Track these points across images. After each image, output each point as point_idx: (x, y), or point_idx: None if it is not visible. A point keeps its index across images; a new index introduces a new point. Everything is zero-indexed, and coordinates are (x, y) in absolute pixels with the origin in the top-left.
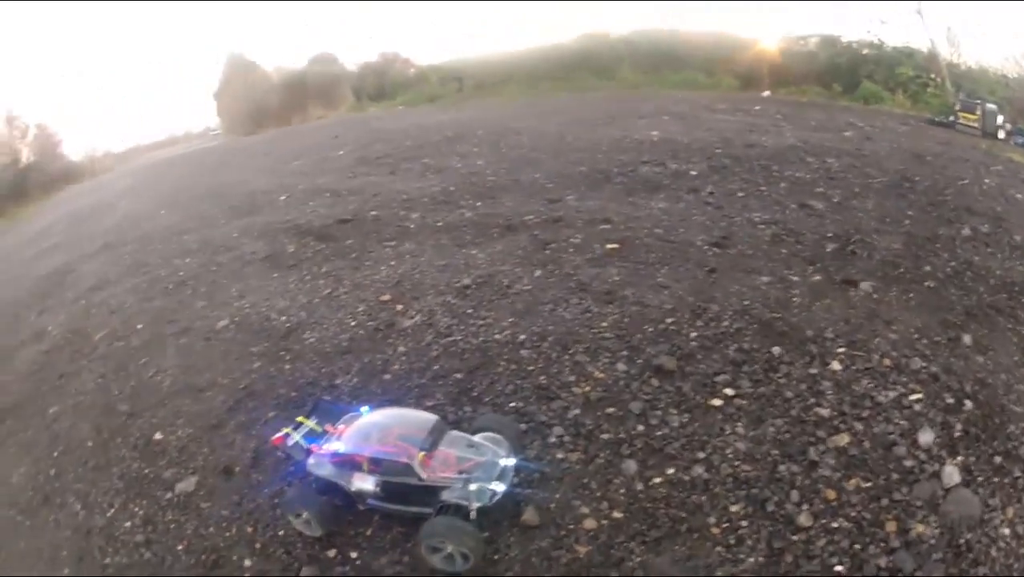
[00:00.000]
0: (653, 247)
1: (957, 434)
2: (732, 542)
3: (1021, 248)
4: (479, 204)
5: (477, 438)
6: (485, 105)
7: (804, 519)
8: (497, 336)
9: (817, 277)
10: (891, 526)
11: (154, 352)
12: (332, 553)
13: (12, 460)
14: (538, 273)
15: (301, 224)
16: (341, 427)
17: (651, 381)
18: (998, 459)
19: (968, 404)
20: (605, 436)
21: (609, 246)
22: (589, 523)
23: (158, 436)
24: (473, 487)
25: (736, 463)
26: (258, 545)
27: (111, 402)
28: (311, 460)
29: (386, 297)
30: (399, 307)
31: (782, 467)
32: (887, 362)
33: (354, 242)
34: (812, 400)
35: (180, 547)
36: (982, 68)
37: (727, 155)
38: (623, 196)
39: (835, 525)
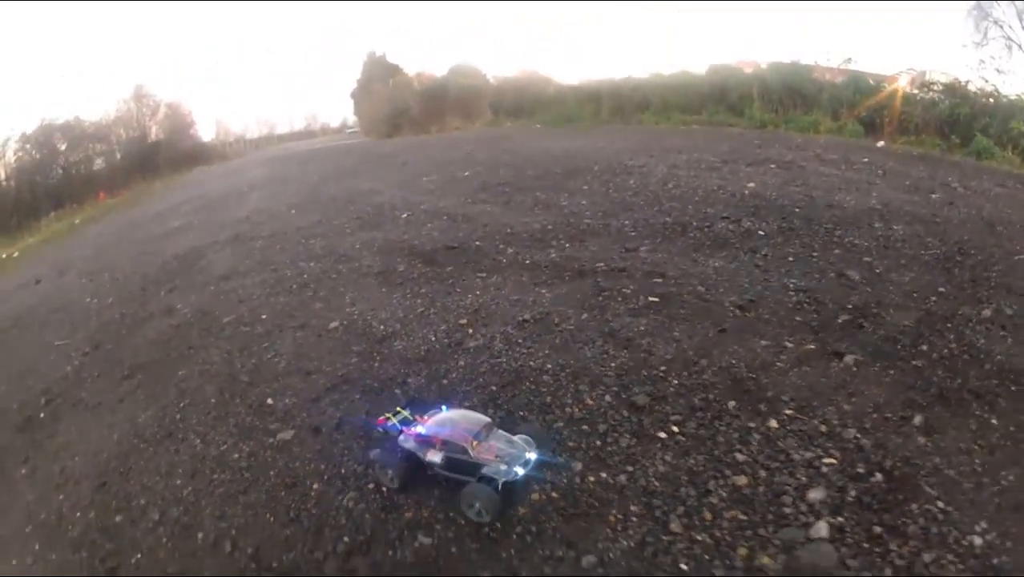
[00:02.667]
0: (688, 303)
1: (849, 499)
2: (619, 529)
3: None
4: (567, 246)
5: (516, 438)
6: (614, 134)
7: (676, 526)
8: (531, 363)
9: (811, 346)
10: (742, 552)
11: (274, 340)
12: (371, 486)
13: (141, 405)
14: (584, 316)
15: (415, 245)
16: (426, 418)
17: (623, 412)
18: (878, 529)
19: (878, 476)
20: (570, 444)
21: (651, 299)
22: (535, 496)
23: (269, 401)
24: (502, 467)
25: (651, 479)
26: (325, 477)
27: (234, 373)
28: (401, 437)
29: (463, 321)
30: (470, 331)
31: (683, 489)
32: (823, 428)
33: (453, 269)
34: (737, 447)
35: (272, 472)
36: None
37: (803, 215)
38: (689, 251)
39: (699, 538)
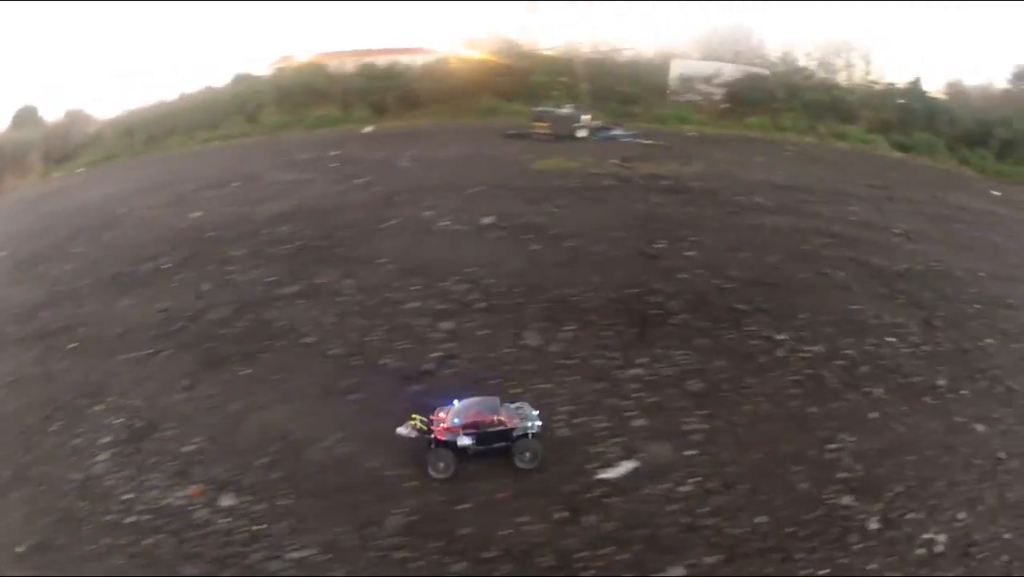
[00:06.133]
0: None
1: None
2: None
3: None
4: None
5: (514, 406)
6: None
7: None
8: None
9: None
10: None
11: None
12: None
13: None
14: None
15: None
16: (441, 414)
17: None
18: None
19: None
20: None
21: None
22: None
23: None
24: (528, 423)
25: None
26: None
27: None
28: (434, 434)
29: None
30: None
31: None
32: None
33: None
34: None
35: None
36: None
37: (213, 239)
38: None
39: None
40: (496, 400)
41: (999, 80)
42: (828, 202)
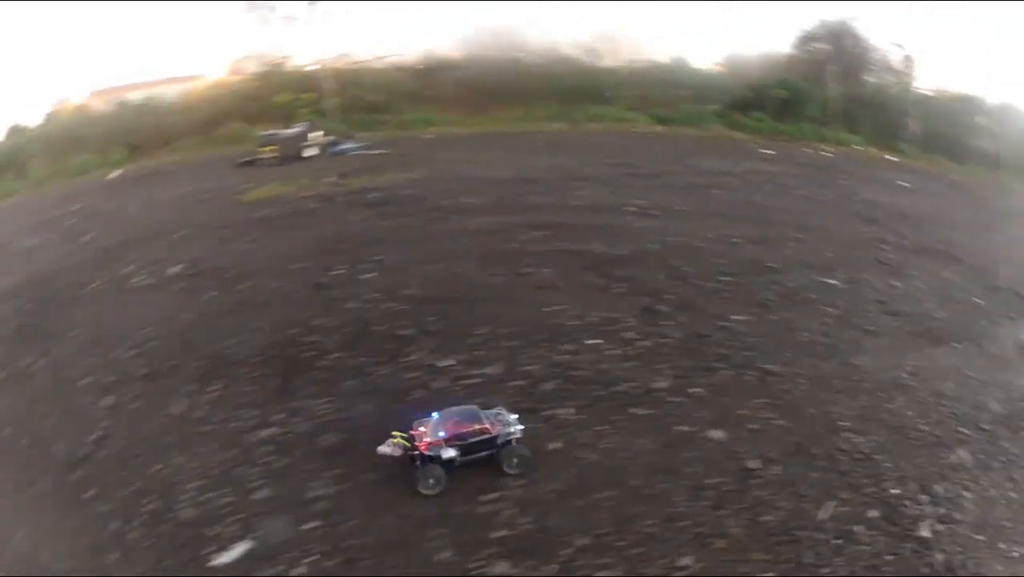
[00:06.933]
0: None
1: None
2: None
3: None
4: None
5: (493, 412)
6: None
7: None
8: None
9: None
10: None
11: None
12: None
13: None
14: None
15: None
16: (421, 429)
17: None
18: None
19: None
20: None
21: None
22: None
23: None
24: (511, 429)
25: None
26: None
27: None
28: (418, 450)
29: None
30: None
31: None
32: None
33: None
34: None
35: None
36: None
37: None
38: None
39: None
40: (475, 408)
41: (784, 46)
42: (554, 191)
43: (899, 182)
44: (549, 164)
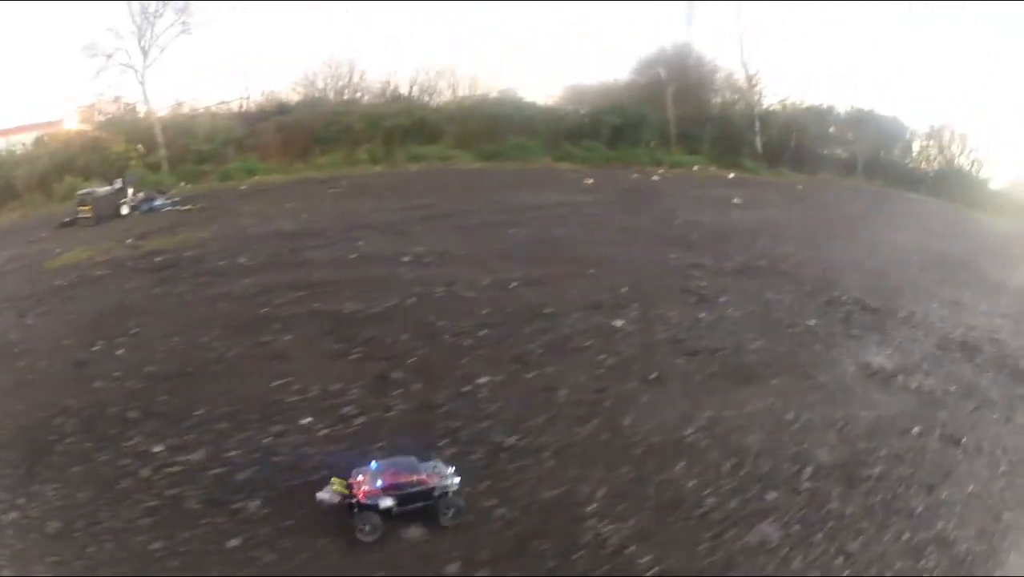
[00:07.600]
0: None
1: None
2: None
3: None
4: None
5: (430, 464)
6: None
7: None
8: None
9: None
10: None
11: None
12: None
13: None
14: None
15: None
16: (360, 477)
17: None
18: None
19: None
20: None
21: None
22: None
23: None
24: (447, 481)
25: None
26: None
27: None
28: (356, 498)
29: None
30: None
31: None
32: None
33: None
34: None
35: None
36: None
37: None
38: None
39: None
40: (413, 460)
41: (623, 74)
42: (333, 243)
43: (733, 200)
44: (340, 212)
